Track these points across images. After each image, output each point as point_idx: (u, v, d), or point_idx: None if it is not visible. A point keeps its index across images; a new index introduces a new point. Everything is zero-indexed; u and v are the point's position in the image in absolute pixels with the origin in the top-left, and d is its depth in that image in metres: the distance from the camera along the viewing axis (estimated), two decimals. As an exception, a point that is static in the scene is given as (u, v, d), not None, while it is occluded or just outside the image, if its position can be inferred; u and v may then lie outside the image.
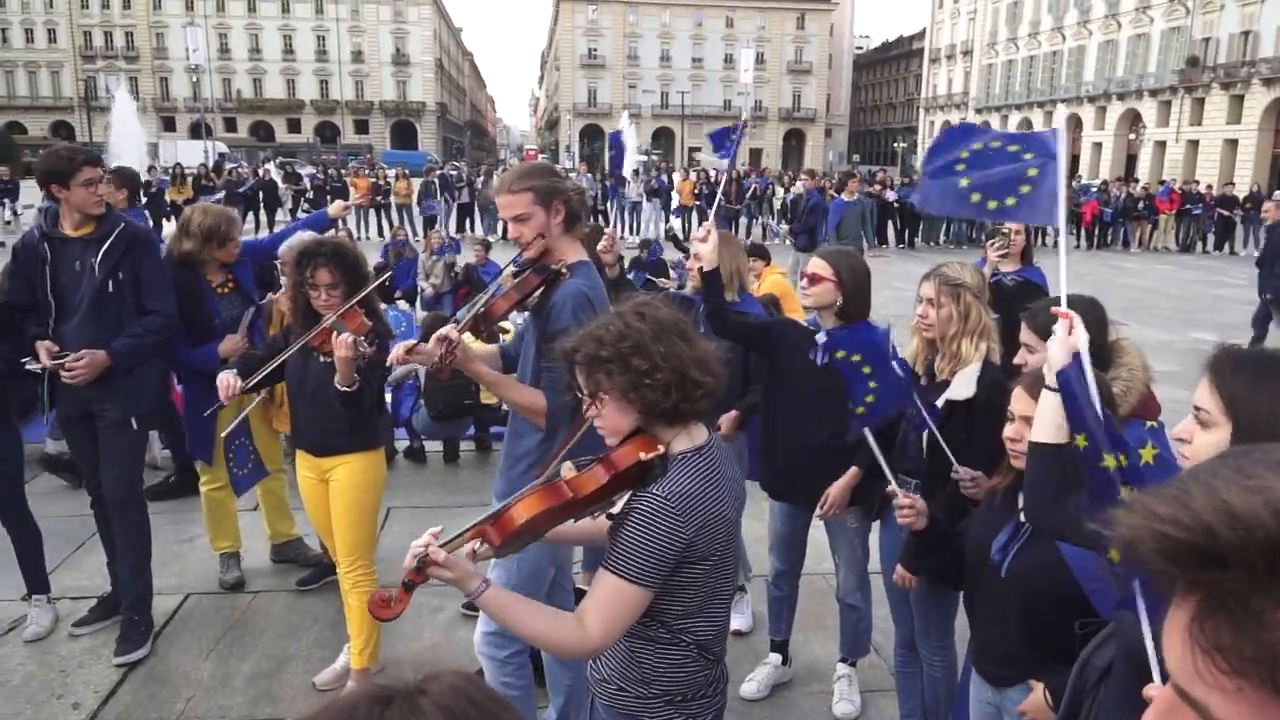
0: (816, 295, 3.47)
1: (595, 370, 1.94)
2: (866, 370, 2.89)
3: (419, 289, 11.66)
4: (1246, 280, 17.36)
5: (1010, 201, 2.11)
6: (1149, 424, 2.60)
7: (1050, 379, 1.98)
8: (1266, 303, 10.47)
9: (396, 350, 2.86)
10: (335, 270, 3.53)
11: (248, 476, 4.45)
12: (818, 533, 3.87)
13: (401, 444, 6.86)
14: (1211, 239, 25.09)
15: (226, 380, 3.61)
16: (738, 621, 4.35)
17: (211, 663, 4.05)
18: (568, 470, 1.93)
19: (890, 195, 23.57)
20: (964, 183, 2.16)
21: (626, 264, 9.52)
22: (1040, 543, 2.18)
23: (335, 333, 3.35)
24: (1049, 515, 2.04)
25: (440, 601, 4.55)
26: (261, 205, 22.94)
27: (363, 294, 3.46)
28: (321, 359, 3.53)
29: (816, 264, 3.51)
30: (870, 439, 2.81)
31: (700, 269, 3.57)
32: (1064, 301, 2.23)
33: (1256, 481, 0.55)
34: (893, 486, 2.73)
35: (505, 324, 8.42)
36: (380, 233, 21.10)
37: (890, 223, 23.73)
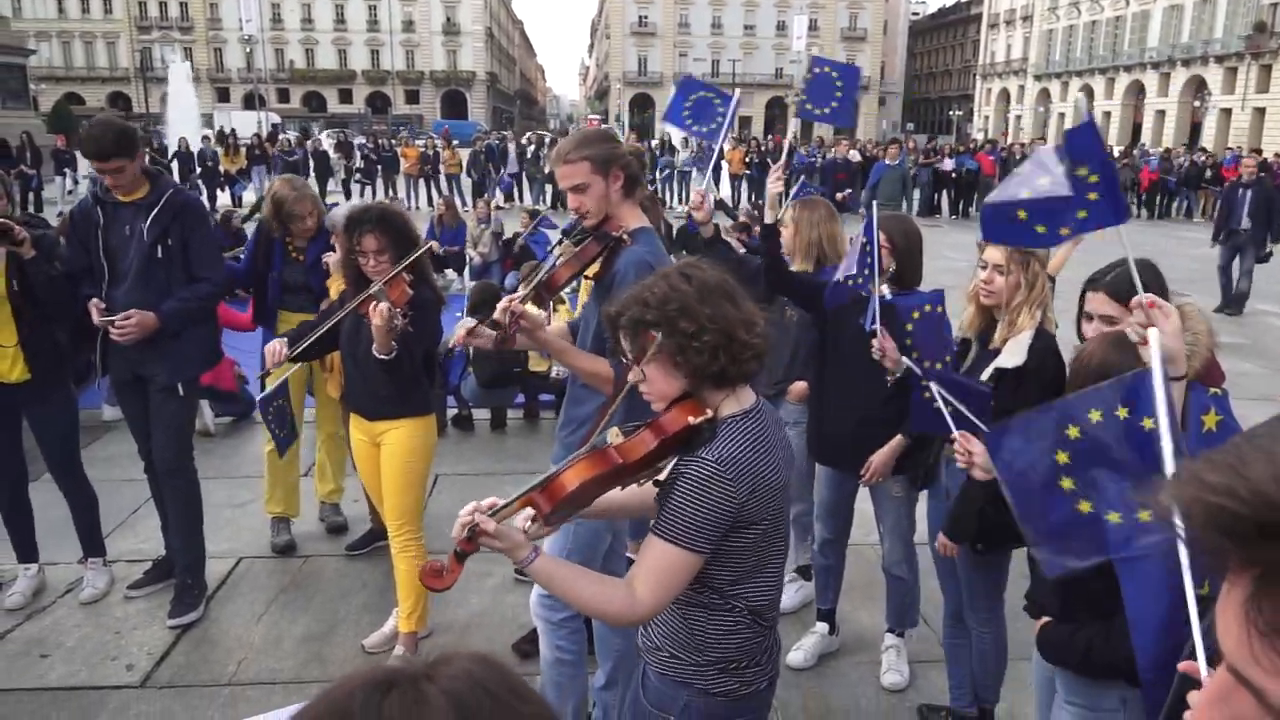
0: None
1: (641, 334, 1.91)
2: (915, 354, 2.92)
3: (467, 258, 11.71)
4: (1316, 251, 16.68)
5: (1081, 214, 2.11)
6: (1212, 390, 2.52)
7: (1176, 370, 1.93)
8: None
9: (457, 332, 2.85)
10: (382, 236, 3.53)
11: (286, 438, 4.53)
12: (866, 504, 3.82)
13: (450, 412, 6.92)
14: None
15: (273, 348, 3.65)
16: (786, 599, 4.31)
17: (263, 626, 4.14)
18: (614, 436, 1.91)
19: (946, 164, 23.13)
20: (1022, 214, 2.17)
21: (674, 232, 9.49)
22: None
23: (375, 301, 3.36)
24: None
25: (489, 567, 4.59)
26: (313, 175, 23.20)
27: (407, 262, 3.46)
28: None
29: None
30: (936, 390, 2.72)
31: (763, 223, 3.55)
32: (1139, 284, 2.10)
33: None
34: (955, 434, 2.63)
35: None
36: (430, 203, 21.22)
37: (945, 192, 23.30)
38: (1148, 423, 1.79)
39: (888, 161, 16.25)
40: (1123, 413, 1.84)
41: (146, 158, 4.11)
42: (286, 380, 4.21)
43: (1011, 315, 3.00)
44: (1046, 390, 2.65)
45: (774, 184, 3.79)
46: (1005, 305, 3.02)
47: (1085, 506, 1.89)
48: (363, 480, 4.11)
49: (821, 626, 3.98)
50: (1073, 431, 1.91)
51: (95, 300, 3.87)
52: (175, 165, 20.88)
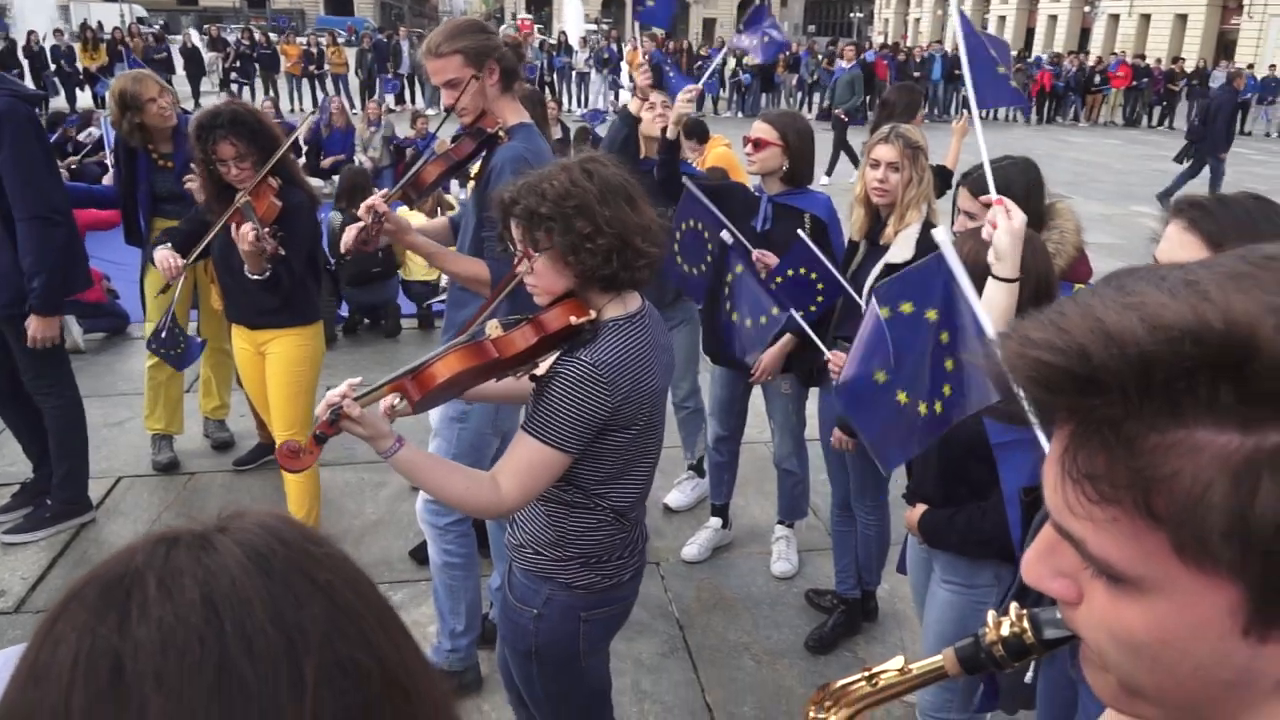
0: (762, 160, 3.39)
1: (534, 227, 1.85)
2: (813, 276, 2.96)
3: (357, 164, 11.24)
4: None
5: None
6: (1077, 286, 2.63)
7: (1003, 270, 1.98)
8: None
9: (346, 238, 2.73)
10: (239, 140, 3.31)
11: (185, 355, 4.32)
12: (760, 401, 3.89)
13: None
14: (1157, 113, 25.18)
15: (166, 258, 3.42)
16: (676, 498, 4.40)
17: (148, 542, 4.00)
18: (493, 329, 1.87)
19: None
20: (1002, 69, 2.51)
21: (571, 135, 9.30)
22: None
23: (241, 218, 3.17)
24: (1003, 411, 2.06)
25: (383, 477, 4.53)
26: (183, 75, 21.72)
27: (270, 164, 3.27)
28: None
29: (761, 128, 3.41)
30: (799, 317, 2.81)
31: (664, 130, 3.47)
32: (992, 187, 2.22)
33: (1134, 298, 0.50)
34: (828, 355, 2.73)
35: (449, 198, 8.22)
36: (314, 104, 20.17)
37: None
38: (931, 314, 1.91)
39: (844, 65, 16.61)
40: (907, 307, 1.93)
41: None
42: (172, 308, 3.97)
43: (901, 210, 3.04)
44: None
45: (684, 105, 3.61)
46: (897, 202, 3.05)
47: (902, 397, 1.98)
48: (248, 392, 3.99)
49: (715, 521, 4.09)
50: (884, 311, 2.02)
51: None
52: (26, 64, 19.28)
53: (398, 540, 4.06)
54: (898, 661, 0.80)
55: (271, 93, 21.33)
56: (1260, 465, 0.47)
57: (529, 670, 2.10)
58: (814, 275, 3.05)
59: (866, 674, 0.81)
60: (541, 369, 1.96)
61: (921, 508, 2.43)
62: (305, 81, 21.73)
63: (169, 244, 3.57)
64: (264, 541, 0.51)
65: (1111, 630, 0.57)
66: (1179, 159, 13.39)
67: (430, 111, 14.69)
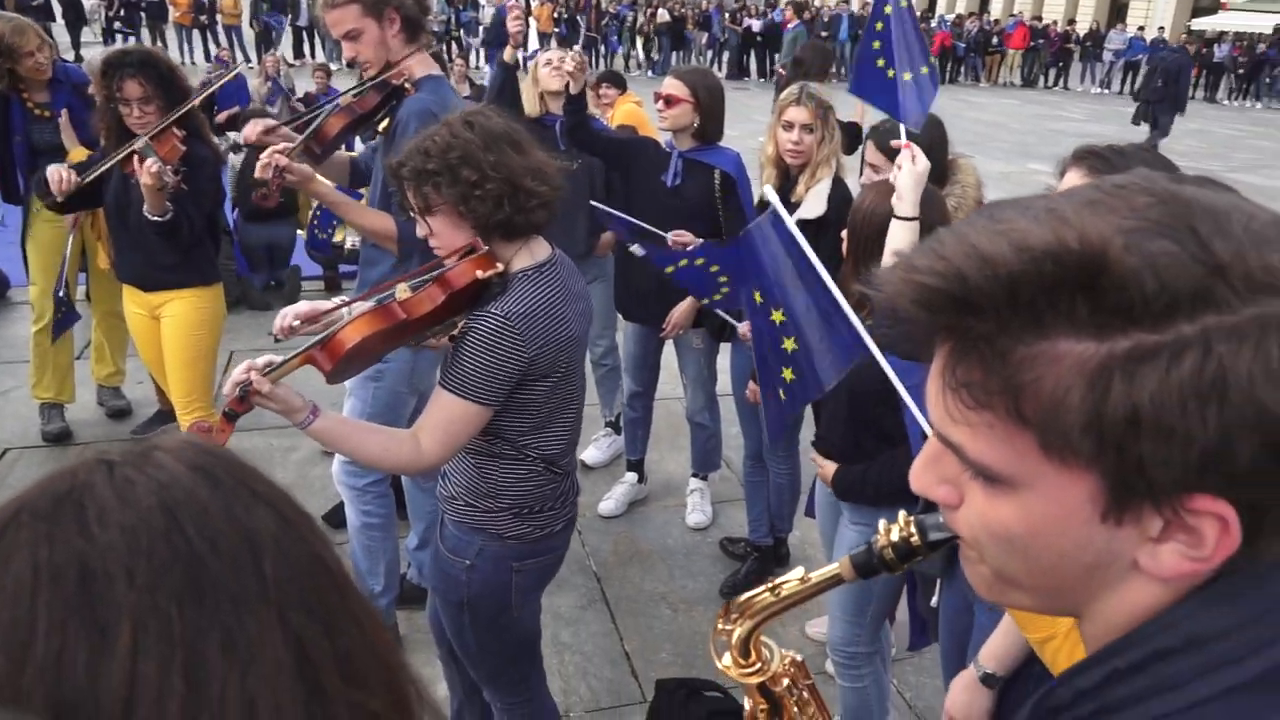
0: (674, 117, 3.39)
1: (423, 184, 1.85)
2: (715, 270, 2.97)
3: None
4: (1082, 114, 18.17)
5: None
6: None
7: (903, 210, 2.08)
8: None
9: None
10: (146, 83, 3.16)
11: (60, 324, 4.14)
12: (673, 358, 3.94)
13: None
14: (1053, 74, 26.02)
15: (57, 172, 3.21)
16: (593, 455, 4.43)
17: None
18: (402, 291, 1.84)
19: (755, 25, 23.18)
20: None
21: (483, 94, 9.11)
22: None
23: (142, 157, 3.04)
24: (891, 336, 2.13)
25: (293, 442, 4.44)
26: (61, 23, 20.45)
27: (180, 111, 3.13)
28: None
29: (672, 84, 3.41)
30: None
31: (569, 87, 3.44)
32: (904, 133, 2.33)
33: (1004, 225, 0.56)
34: (742, 327, 2.79)
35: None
36: (207, 57, 19.26)
37: (752, 54, 23.43)
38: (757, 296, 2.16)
39: (790, 25, 16.87)
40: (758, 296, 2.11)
41: None
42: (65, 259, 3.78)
43: (812, 169, 3.10)
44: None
45: (571, 66, 3.56)
46: (809, 161, 3.11)
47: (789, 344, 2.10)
48: (143, 358, 3.82)
49: (630, 476, 4.14)
50: (757, 296, 2.18)
51: None
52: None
53: (312, 504, 3.92)
54: (798, 572, 0.85)
55: (159, 43, 20.26)
56: (1112, 368, 0.53)
57: (461, 621, 2.11)
58: (715, 268, 3.06)
59: (769, 586, 0.85)
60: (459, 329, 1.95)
61: (834, 466, 2.49)
62: (195, 32, 20.71)
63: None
64: (201, 457, 0.52)
65: (988, 526, 0.63)
66: (1136, 121, 13.83)
67: (334, 66, 14.18)
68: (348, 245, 6.48)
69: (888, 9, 2.46)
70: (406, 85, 2.70)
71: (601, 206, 3.22)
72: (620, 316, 4.01)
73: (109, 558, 0.45)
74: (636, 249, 3.16)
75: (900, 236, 2.10)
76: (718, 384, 3.91)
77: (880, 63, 2.47)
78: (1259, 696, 0.57)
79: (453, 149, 1.81)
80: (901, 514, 0.79)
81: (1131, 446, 0.53)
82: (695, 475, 4.08)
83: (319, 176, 2.70)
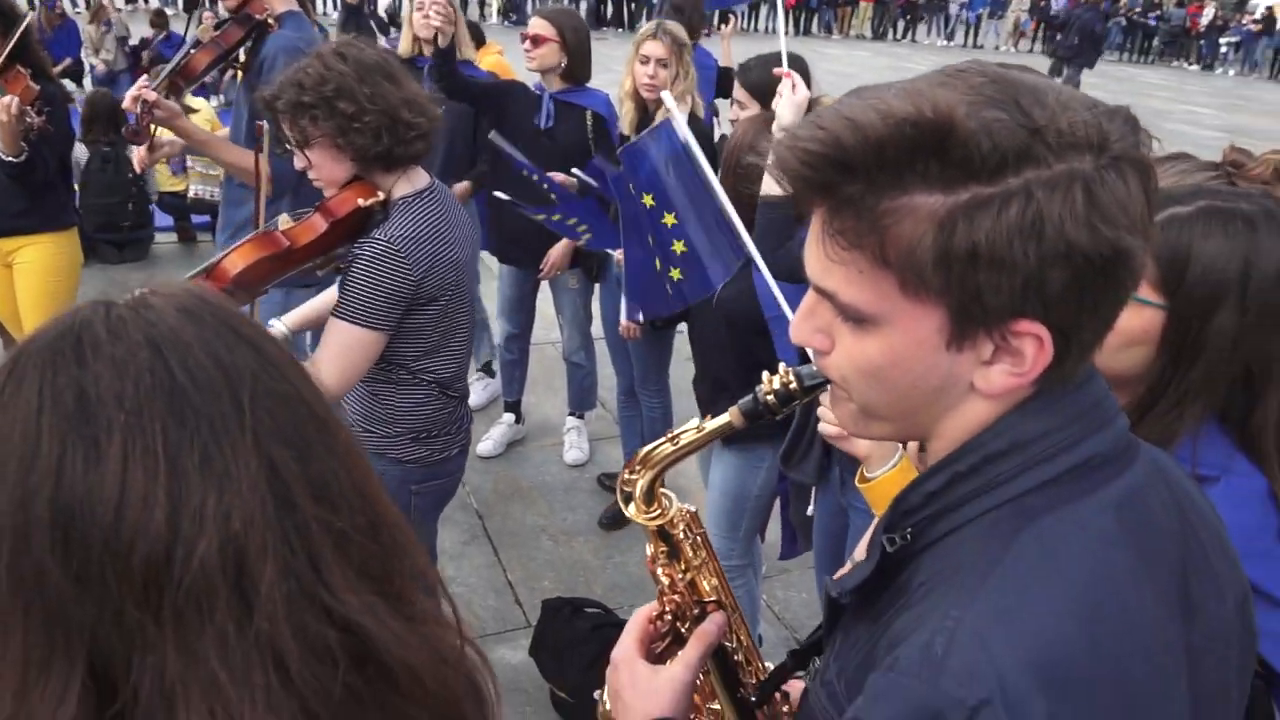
0: (541, 57, 3.43)
1: (299, 117, 1.86)
2: (573, 222, 3.08)
3: (88, 66, 10.13)
4: (929, 66, 18.84)
5: None
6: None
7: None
8: None
9: (140, 155, 2.65)
10: None
11: None
12: (546, 305, 4.01)
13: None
14: (902, 26, 26.98)
15: None
16: (470, 398, 4.47)
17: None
18: (285, 221, 1.87)
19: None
20: None
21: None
22: (743, 276, 2.42)
23: None
24: (776, 262, 2.26)
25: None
26: None
27: (11, 43, 2.96)
28: None
29: (538, 24, 3.45)
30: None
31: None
32: (785, 60, 2.46)
33: (873, 100, 0.68)
34: (617, 254, 2.90)
35: (196, 104, 7.61)
36: (31, 3, 17.72)
37: (609, 3, 23.31)
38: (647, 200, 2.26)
39: None
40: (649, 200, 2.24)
41: None
42: None
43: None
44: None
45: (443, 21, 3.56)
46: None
47: (657, 264, 2.24)
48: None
49: (508, 417, 4.22)
50: (648, 200, 2.28)
51: None
52: None
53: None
54: (694, 422, 0.98)
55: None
56: (957, 214, 0.66)
57: None
58: (573, 220, 3.14)
59: (669, 436, 0.98)
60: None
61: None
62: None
63: None
64: (192, 302, 0.59)
65: (855, 363, 0.76)
66: (1053, 74, 14.80)
67: (169, 10, 13.33)
68: (191, 194, 6.24)
69: None
70: (269, 20, 2.66)
71: (501, 142, 3.18)
72: (496, 260, 4.04)
73: (101, 384, 0.53)
74: (500, 194, 3.20)
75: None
76: (592, 324, 4.02)
77: None
78: (1066, 486, 0.73)
79: (327, 81, 1.83)
80: (782, 365, 0.92)
81: (971, 278, 0.67)
82: (572, 414, 4.20)
83: (183, 113, 2.66)
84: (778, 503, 2.67)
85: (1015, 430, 0.74)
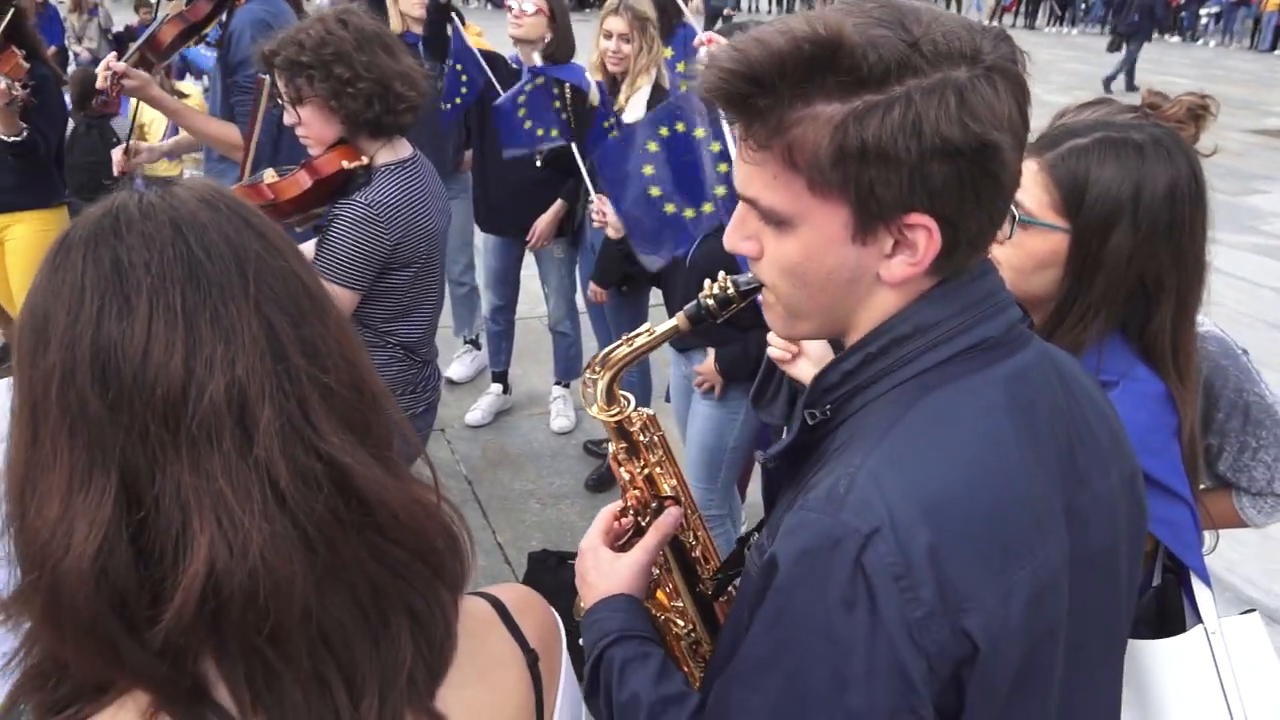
0: (529, 25, 3.49)
1: (296, 75, 1.94)
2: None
3: (71, 54, 10.13)
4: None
5: None
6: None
7: None
8: None
9: (119, 159, 2.75)
10: None
11: None
12: (533, 282, 4.09)
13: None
14: None
15: None
16: (457, 370, 4.59)
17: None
18: (270, 175, 1.96)
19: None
20: None
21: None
22: (715, 234, 2.52)
23: None
24: None
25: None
26: None
27: (3, 23, 3.04)
28: None
29: None
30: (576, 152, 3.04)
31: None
32: (699, 30, 2.57)
33: (781, 25, 0.79)
34: (594, 199, 2.99)
35: (187, 89, 7.64)
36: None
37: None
38: (699, 133, 2.28)
39: None
40: (681, 126, 2.28)
41: None
42: None
43: (632, 78, 3.32)
44: None
45: None
46: (629, 70, 3.32)
47: (669, 208, 2.33)
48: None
49: (496, 387, 4.33)
50: (652, 146, 2.34)
51: None
52: None
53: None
54: (645, 326, 1.09)
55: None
56: (849, 118, 0.76)
57: None
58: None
59: (624, 339, 1.09)
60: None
61: (710, 356, 2.66)
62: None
63: None
64: (210, 194, 0.71)
65: (779, 264, 0.86)
66: (1112, 49, 15.89)
67: (150, -2, 13.30)
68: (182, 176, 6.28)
69: None
70: None
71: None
72: (480, 232, 4.13)
73: (133, 254, 0.65)
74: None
75: None
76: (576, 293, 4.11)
77: None
78: (961, 363, 0.85)
79: (327, 44, 1.91)
80: (720, 273, 1.03)
81: (864, 173, 0.77)
82: (558, 383, 4.30)
83: (155, 83, 2.75)
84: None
85: (919, 316, 0.85)
